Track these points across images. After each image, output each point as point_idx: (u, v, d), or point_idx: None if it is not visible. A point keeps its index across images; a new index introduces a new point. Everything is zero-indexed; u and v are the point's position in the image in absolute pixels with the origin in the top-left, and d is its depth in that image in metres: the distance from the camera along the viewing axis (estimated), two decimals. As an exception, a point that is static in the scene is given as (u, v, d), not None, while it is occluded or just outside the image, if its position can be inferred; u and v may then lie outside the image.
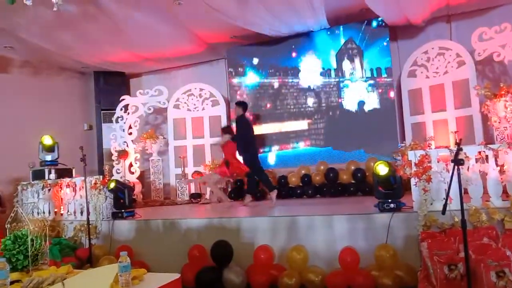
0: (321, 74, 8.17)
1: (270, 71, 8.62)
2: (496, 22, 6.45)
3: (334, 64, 8.08)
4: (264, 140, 8.50)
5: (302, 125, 8.32)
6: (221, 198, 7.15)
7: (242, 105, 6.93)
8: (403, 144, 4.67)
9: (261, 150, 8.31)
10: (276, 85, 8.57)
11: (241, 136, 6.72)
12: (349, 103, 7.96)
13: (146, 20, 6.86)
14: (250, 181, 6.92)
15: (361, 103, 7.86)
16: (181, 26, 7.44)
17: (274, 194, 6.53)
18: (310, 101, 8.27)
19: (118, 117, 8.72)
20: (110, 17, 6.65)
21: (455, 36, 7.38)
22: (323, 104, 8.16)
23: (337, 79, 8.05)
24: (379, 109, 7.71)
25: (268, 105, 8.62)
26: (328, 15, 7.22)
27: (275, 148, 8.51)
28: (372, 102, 7.77)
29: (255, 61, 8.69)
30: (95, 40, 7.57)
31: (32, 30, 6.85)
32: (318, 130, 8.20)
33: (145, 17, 6.75)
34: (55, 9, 5.22)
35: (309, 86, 8.27)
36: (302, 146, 8.31)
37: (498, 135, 6.13)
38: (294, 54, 8.39)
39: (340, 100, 8.03)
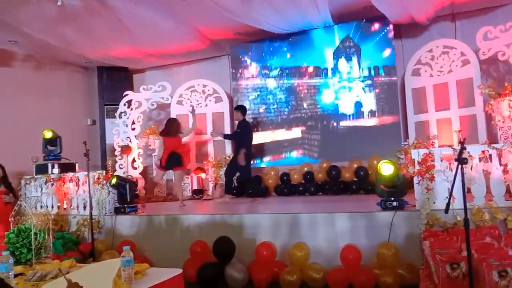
0: (319, 74, 8.15)
1: (264, 71, 8.62)
2: (501, 21, 6.41)
3: (333, 64, 8.05)
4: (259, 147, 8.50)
5: (296, 132, 8.32)
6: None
7: (241, 109, 7.04)
8: (407, 143, 4.67)
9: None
10: (272, 85, 8.58)
11: (242, 140, 6.79)
12: (346, 105, 7.93)
13: (150, 16, 6.85)
14: (249, 183, 7.12)
15: (358, 105, 7.85)
16: (184, 22, 7.44)
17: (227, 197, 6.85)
18: (305, 104, 8.26)
19: (121, 113, 8.72)
20: (114, 13, 6.65)
21: (460, 35, 7.35)
22: (319, 107, 8.13)
23: (334, 79, 8.03)
24: (377, 111, 7.71)
25: (265, 106, 8.63)
26: (332, 12, 7.20)
27: (268, 155, 8.57)
28: (370, 103, 7.75)
29: (255, 59, 8.69)
30: (98, 35, 7.56)
31: (35, 25, 6.85)
32: (311, 141, 8.19)
33: (149, 13, 6.75)
34: (59, 3, 5.26)
35: (307, 86, 8.26)
36: (295, 154, 8.31)
37: (502, 134, 6.10)
38: (292, 54, 8.38)
39: (336, 102, 8.00)
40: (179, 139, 7.07)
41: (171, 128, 6.98)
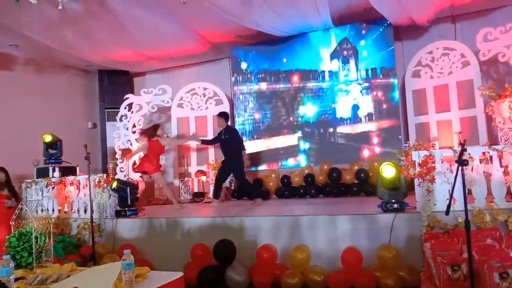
0: (317, 77, 8.16)
1: (264, 74, 8.63)
2: (500, 22, 6.42)
3: (332, 67, 8.06)
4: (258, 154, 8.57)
5: (293, 138, 8.35)
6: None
7: (224, 115, 7.06)
8: (407, 145, 4.66)
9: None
10: (271, 88, 8.58)
11: (232, 144, 6.81)
12: (345, 108, 7.94)
13: (150, 19, 6.87)
14: (248, 185, 7.11)
15: (356, 108, 7.85)
16: (185, 25, 7.46)
17: (259, 200, 6.80)
18: (302, 109, 8.26)
19: (122, 116, 8.72)
20: (115, 16, 6.67)
21: (460, 37, 7.36)
22: (319, 110, 8.14)
23: (334, 82, 8.03)
24: (377, 113, 7.71)
25: (263, 110, 8.65)
26: (332, 14, 7.21)
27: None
28: (369, 105, 7.76)
29: (255, 62, 8.69)
30: (99, 39, 7.59)
31: (36, 28, 6.87)
32: (311, 146, 8.20)
33: (149, 16, 6.77)
34: (60, 7, 5.26)
35: (304, 89, 8.28)
36: (292, 162, 8.34)
37: (502, 136, 6.09)
38: (292, 57, 8.37)
39: (334, 106, 8.01)
40: (163, 146, 7.16)
41: (152, 132, 7.08)
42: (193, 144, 8.84)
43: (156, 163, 7.06)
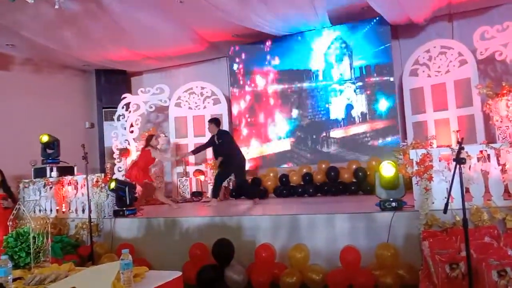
0: (321, 76, 8.17)
1: (262, 74, 8.65)
2: (497, 21, 6.42)
3: (331, 66, 8.08)
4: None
5: (286, 144, 8.41)
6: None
7: (214, 121, 6.99)
8: (405, 143, 4.67)
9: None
10: (269, 88, 8.61)
11: (223, 149, 6.76)
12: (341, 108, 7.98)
13: (148, 18, 6.86)
14: (246, 184, 7.15)
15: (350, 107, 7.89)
16: (182, 24, 7.45)
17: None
18: (304, 108, 8.28)
19: (119, 115, 8.69)
20: (112, 15, 6.66)
21: (457, 35, 7.38)
22: (319, 110, 8.16)
23: (331, 81, 8.05)
24: (374, 112, 7.74)
25: (261, 110, 8.66)
26: (330, 14, 7.21)
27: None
28: (364, 104, 7.79)
29: (253, 61, 8.70)
30: (96, 38, 7.57)
31: (33, 28, 6.85)
32: (307, 147, 8.24)
33: (147, 15, 6.76)
34: (56, 6, 5.25)
35: (300, 89, 8.30)
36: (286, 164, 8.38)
37: (499, 134, 6.10)
38: (287, 56, 8.40)
39: (328, 106, 8.04)
40: (153, 157, 7.09)
41: (149, 140, 7.00)
42: (191, 143, 8.85)
43: (143, 173, 6.89)
